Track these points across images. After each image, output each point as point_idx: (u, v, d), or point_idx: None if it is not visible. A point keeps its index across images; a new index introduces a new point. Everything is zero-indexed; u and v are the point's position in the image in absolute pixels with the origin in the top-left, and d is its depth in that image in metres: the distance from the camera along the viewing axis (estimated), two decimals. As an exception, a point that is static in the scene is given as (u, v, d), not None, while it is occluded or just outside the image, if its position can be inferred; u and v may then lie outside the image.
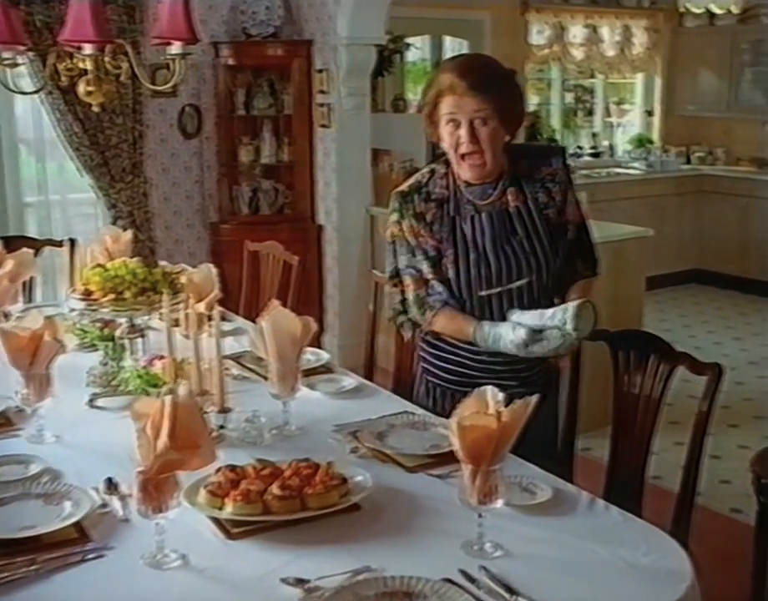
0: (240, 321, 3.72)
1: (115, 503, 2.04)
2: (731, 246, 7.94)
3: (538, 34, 7.79)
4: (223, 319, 3.69)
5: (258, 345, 2.53)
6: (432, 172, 2.58)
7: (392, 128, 6.16)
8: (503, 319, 2.48)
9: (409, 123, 6.32)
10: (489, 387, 1.87)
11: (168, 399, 1.78)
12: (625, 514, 2.01)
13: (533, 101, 8.16)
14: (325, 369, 3.05)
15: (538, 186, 2.55)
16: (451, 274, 2.51)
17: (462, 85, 2.38)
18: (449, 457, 2.03)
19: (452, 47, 7.26)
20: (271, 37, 5.81)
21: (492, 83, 2.41)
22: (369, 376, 3.47)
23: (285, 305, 4.04)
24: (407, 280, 2.59)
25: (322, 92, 5.71)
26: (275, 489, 1.97)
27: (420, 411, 2.61)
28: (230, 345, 3.28)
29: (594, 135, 8.54)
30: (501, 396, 1.84)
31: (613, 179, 7.74)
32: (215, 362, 2.38)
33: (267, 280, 4.19)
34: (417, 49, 6.93)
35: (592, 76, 8.57)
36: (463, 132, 2.41)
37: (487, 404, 1.82)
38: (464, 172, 2.49)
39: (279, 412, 2.49)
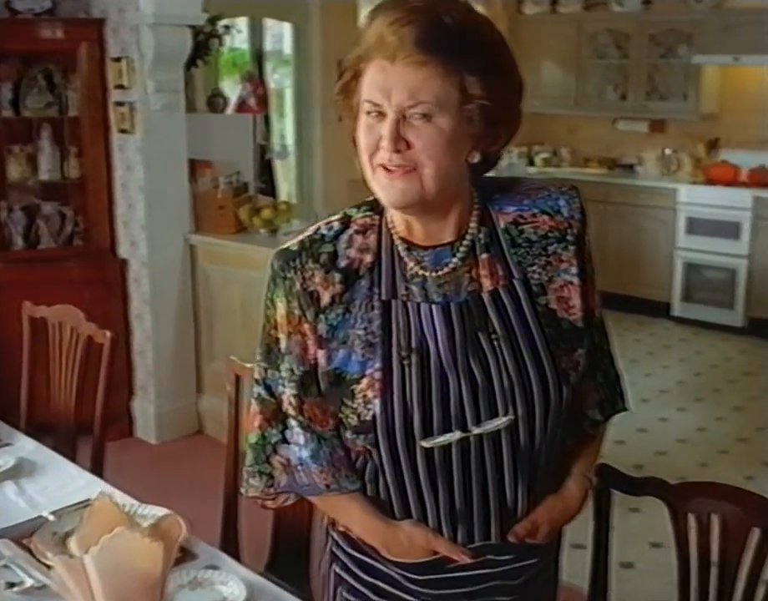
0: (23, 442, 2.40)
1: None
2: (587, 257, 7.19)
3: (369, 20, 6.70)
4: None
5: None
6: (347, 221, 1.44)
7: (211, 132, 4.89)
8: (466, 487, 1.40)
9: (230, 125, 5.15)
10: None
11: None
12: None
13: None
14: (182, 552, 1.81)
15: (535, 251, 1.43)
16: (377, 407, 1.36)
17: (404, 34, 1.25)
18: None
19: (274, 31, 6.06)
20: (47, 13, 4.42)
21: (468, 34, 1.28)
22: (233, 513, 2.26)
23: (91, 405, 2.81)
24: (254, 406, 1.50)
25: (121, 87, 4.38)
26: None
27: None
28: (12, 501, 2.01)
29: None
30: None
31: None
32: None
33: (61, 364, 2.85)
34: (240, 33, 5.67)
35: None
36: (385, 129, 1.29)
37: None
38: (383, 191, 1.35)
39: None
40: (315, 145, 6.51)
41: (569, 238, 1.43)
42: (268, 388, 1.47)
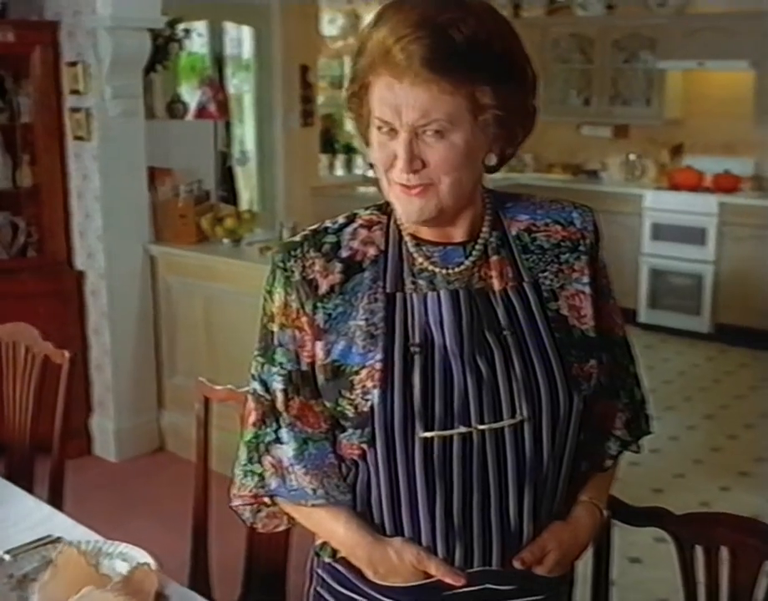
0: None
1: None
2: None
3: (330, 24, 6.60)
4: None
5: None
6: (352, 218, 1.43)
7: (171, 139, 4.74)
8: (465, 497, 1.31)
9: (191, 132, 5.01)
10: None
11: None
12: None
13: (324, 104, 6.91)
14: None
15: (547, 258, 1.39)
16: (375, 397, 1.29)
17: (412, 52, 1.20)
18: None
19: (232, 35, 5.91)
20: (-4, 16, 4.23)
21: (476, 48, 1.22)
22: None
23: (48, 427, 2.64)
24: (250, 402, 1.44)
25: (77, 92, 4.22)
26: None
27: None
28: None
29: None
30: None
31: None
32: None
33: (15, 385, 2.70)
34: (201, 36, 5.52)
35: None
36: (400, 149, 1.26)
37: None
38: (400, 205, 1.33)
39: None
40: (277, 152, 6.38)
41: (582, 248, 1.40)
42: (264, 384, 1.40)
